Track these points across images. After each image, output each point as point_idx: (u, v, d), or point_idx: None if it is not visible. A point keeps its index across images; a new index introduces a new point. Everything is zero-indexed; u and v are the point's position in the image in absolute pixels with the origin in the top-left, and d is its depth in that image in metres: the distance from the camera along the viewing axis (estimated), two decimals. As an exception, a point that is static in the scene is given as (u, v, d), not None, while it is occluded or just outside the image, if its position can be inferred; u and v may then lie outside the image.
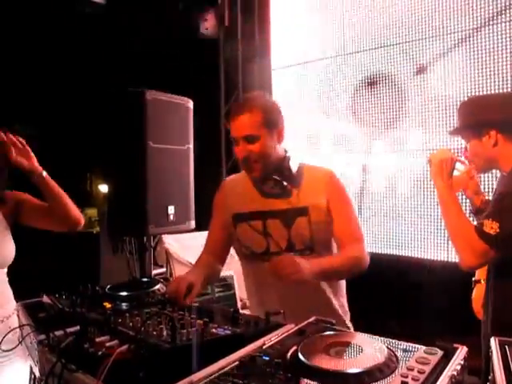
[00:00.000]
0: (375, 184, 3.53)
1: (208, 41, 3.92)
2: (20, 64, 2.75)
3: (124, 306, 1.49)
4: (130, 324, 1.17)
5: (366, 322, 1.63)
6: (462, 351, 1.02)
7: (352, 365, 0.90)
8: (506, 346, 1.03)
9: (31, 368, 1.86)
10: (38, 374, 1.39)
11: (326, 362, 0.92)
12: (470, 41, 2.98)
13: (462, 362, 0.97)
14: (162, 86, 2.69)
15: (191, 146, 2.81)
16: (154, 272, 3.01)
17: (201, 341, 1.03)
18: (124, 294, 1.59)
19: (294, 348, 1.02)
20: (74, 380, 1.06)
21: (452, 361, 0.97)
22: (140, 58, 2.92)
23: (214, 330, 1.10)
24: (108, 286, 1.73)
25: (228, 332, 1.11)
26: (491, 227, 1.54)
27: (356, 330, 1.58)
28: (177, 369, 0.96)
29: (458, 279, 2.28)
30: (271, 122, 1.62)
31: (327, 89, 3.75)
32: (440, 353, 0.99)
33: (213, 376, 0.93)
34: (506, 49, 2.80)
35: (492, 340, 1.09)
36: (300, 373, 0.91)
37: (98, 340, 1.08)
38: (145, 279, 1.84)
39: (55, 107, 2.62)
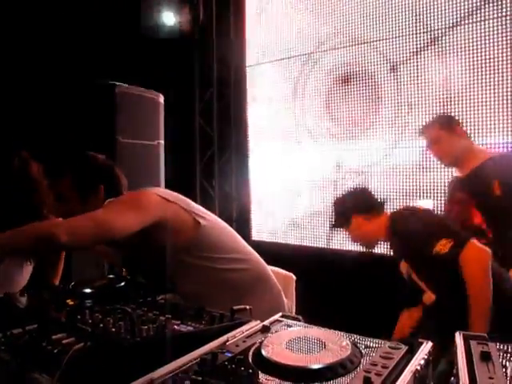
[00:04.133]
0: (349, 180, 3.55)
1: (183, 36, 3.87)
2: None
3: (87, 303, 1.45)
4: (90, 321, 1.13)
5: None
6: (426, 346, 1.01)
7: (314, 360, 0.89)
8: (470, 341, 1.02)
9: None
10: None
11: (288, 358, 0.90)
12: (442, 39, 3.02)
13: (426, 357, 0.97)
14: (134, 80, 2.63)
15: (162, 141, 2.77)
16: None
17: (161, 337, 1.00)
18: (86, 290, 1.55)
19: (257, 344, 1.00)
20: (30, 380, 1.02)
21: (416, 355, 0.96)
22: (112, 51, 2.86)
23: (176, 327, 1.07)
24: (72, 283, 1.69)
25: (190, 328, 1.08)
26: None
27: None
28: (136, 366, 0.92)
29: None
30: None
31: (302, 86, 3.75)
32: (404, 348, 0.98)
33: (173, 373, 0.90)
34: (478, 48, 2.85)
35: (457, 334, 1.09)
36: (262, 369, 0.89)
37: (54, 337, 1.04)
38: (111, 276, 1.79)
39: (22, 99, 2.54)
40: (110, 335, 1.01)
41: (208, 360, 0.93)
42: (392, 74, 3.27)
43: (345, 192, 2.45)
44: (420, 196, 3.14)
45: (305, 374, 0.86)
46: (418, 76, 3.15)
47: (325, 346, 0.95)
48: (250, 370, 0.88)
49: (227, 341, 1.07)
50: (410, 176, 3.21)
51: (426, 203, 2.77)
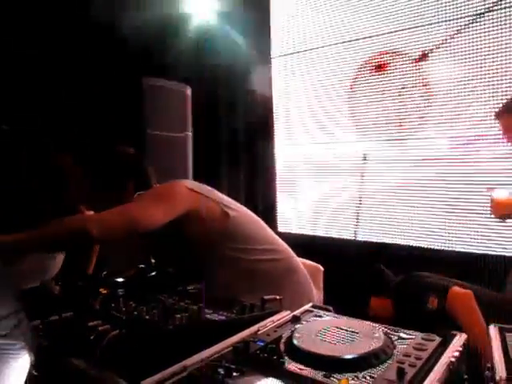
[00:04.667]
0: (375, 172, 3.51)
1: (206, 27, 3.86)
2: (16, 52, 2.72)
3: (120, 292, 1.48)
4: (124, 309, 1.15)
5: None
6: (460, 338, 1.00)
7: (347, 350, 0.88)
8: (505, 333, 1.01)
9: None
10: (32, 359, 1.38)
11: (320, 348, 0.90)
12: (471, 27, 2.94)
13: (461, 349, 0.95)
14: (161, 72, 2.66)
15: (190, 133, 2.79)
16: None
17: (194, 325, 1.01)
18: (118, 280, 1.58)
19: (289, 333, 1.00)
20: (68, 365, 1.05)
21: (450, 347, 0.95)
22: (137, 44, 2.88)
23: (208, 316, 1.08)
24: (104, 272, 1.72)
25: (222, 317, 1.09)
26: None
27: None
28: (170, 353, 0.94)
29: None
30: None
31: (329, 76, 3.71)
32: (438, 339, 0.97)
33: (206, 360, 0.91)
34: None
35: (491, 327, 1.07)
36: (294, 358, 0.89)
37: (90, 324, 1.07)
38: (142, 266, 1.82)
39: (50, 94, 2.58)
40: (144, 323, 1.02)
41: (240, 348, 0.94)
42: (419, 64, 3.21)
43: None
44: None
45: (338, 363, 0.85)
46: (445, 65, 3.09)
47: (357, 336, 0.95)
48: (282, 359, 0.89)
49: (258, 330, 1.07)
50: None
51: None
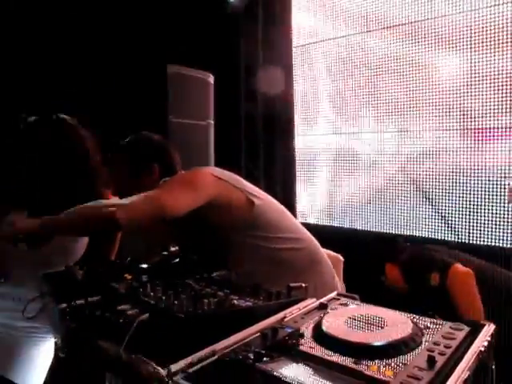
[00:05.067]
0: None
1: (227, 15, 3.85)
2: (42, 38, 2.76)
3: (144, 277, 1.49)
4: (151, 294, 1.17)
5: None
6: (489, 327, 0.99)
7: (377, 337, 0.89)
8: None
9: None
10: (59, 342, 1.41)
11: (349, 335, 0.91)
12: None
13: (490, 339, 0.95)
14: (184, 60, 2.66)
15: (212, 121, 2.80)
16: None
17: (222, 311, 1.02)
18: (143, 266, 1.60)
19: (317, 320, 1.01)
20: (95, 347, 1.07)
21: (479, 337, 0.95)
22: (159, 31, 2.88)
23: (235, 302, 1.09)
24: (128, 259, 1.74)
25: (249, 304, 1.10)
26: None
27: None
28: (198, 338, 0.95)
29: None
30: None
31: (349, 66, 3.68)
32: (466, 329, 0.97)
33: (235, 346, 0.92)
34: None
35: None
36: (323, 345, 0.90)
37: (119, 308, 1.08)
38: (165, 253, 1.84)
39: (74, 81, 2.61)
40: (173, 308, 1.04)
41: (269, 334, 0.95)
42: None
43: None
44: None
45: (367, 350, 0.86)
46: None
47: (385, 323, 0.95)
48: (311, 346, 0.89)
49: (285, 317, 1.08)
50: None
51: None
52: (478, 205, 3.06)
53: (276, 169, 4.12)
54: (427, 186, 3.34)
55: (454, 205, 3.19)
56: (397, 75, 3.40)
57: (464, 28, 3.06)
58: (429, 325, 1.00)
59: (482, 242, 2.99)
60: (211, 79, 2.77)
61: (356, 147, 3.69)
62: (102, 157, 1.87)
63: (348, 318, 0.98)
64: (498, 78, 2.94)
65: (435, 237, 3.27)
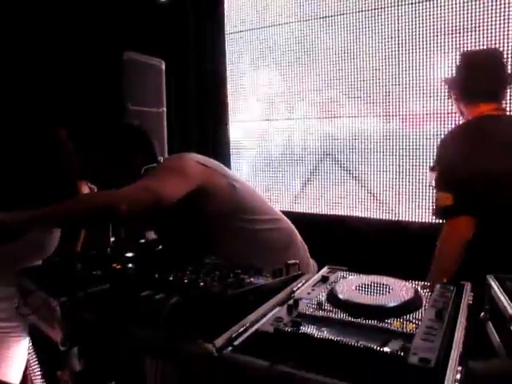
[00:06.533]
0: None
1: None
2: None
3: (130, 266, 1.52)
4: (171, 278, 1.21)
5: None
6: (468, 286, 1.19)
7: (390, 300, 1.03)
8: (507, 281, 1.21)
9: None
10: (58, 340, 1.38)
11: (365, 299, 1.04)
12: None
13: (472, 293, 1.14)
14: (132, 47, 2.63)
15: (165, 108, 2.80)
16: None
17: (247, 289, 1.11)
18: (128, 255, 1.63)
19: (329, 291, 1.13)
20: (125, 335, 1.11)
21: (464, 294, 1.14)
22: (114, 19, 2.81)
23: (251, 280, 1.19)
24: (108, 249, 1.76)
25: (262, 282, 1.20)
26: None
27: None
28: (227, 316, 1.04)
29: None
30: None
31: (284, 54, 3.80)
32: (453, 288, 1.15)
33: (265, 319, 1.02)
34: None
35: (489, 277, 1.27)
36: (344, 311, 1.02)
37: (143, 294, 1.13)
38: (142, 240, 1.88)
39: (33, 67, 2.48)
40: (202, 288, 1.11)
41: (292, 306, 1.06)
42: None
43: None
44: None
45: (384, 311, 1.00)
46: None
47: (391, 288, 1.10)
48: (334, 312, 1.02)
49: (293, 291, 1.20)
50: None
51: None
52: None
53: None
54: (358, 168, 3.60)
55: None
56: (326, 64, 3.59)
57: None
58: (422, 287, 1.16)
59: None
60: (163, 65, 2.77)
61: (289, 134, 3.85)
62: (73, 147, 1.85)
63: (357, 285, 1.12)
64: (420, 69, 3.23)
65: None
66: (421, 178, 3.29)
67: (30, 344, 1.98)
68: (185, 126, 3.65)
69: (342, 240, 3.26)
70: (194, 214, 1.74)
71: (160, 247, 1.71)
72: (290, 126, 3.84)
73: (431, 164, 2.17)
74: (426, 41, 3.16)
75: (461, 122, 2.19)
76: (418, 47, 3.22)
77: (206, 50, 3.94)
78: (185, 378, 1.02)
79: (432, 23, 3.15)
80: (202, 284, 1.13)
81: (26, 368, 2.02)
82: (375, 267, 1.28)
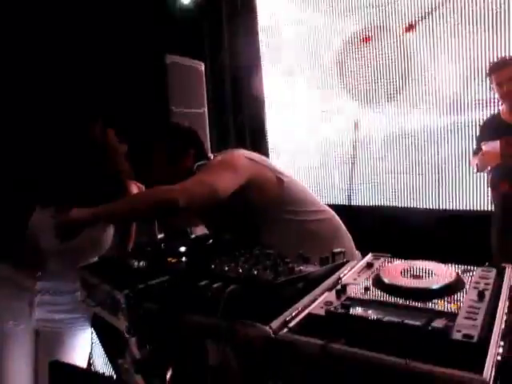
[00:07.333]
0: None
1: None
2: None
3: (184, 260, 1.62)
4: (226, 268, 1.31)
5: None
6: (509, 269, 1.24)
7: (433, 283, 1.10)
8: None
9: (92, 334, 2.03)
10: (123, 328, 1.49)
11: (410, 283, 1.11)
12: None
13: (513, 276, 1.19)
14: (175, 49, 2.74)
15: (206, 109, 2.92)
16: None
17: (298, 276, 1.20)
18: (182, 249, 1.74)
19: (375, 276, 1.20)
20: (188, 321, 1.20)
21: (506, 275, 1.19)
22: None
23: (300, 268, 1.27)
24: (162, 244, 1.88)
25: (311, 269, 1.28)
26: None
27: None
28: (280, 301, 1.13)
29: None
30: None
31: (318, 47, 3.85)
32: (494, 270, 1.21)
33: (316, 303, 1.11)
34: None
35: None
36: (391, 294, 1.09)
37: (201, 284, 1.22)
38: (193, 236, 2.00)
39: (77, 72, 2.63)
40: (255, 277, 1.21)
41: (340, 290, 1.14)
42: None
43: None
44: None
45: (428, 293, 1.07)
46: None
47: (434, 272, 1.17)
48: (380, 295, 1.09)
49: (340, 278, 1.27)
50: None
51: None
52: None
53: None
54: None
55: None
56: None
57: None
58: (463, 270, 1.22)
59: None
60: (202, 67, 2.87)
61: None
62: (123, 147, 1.98)
63: (402, 270, 1.19)
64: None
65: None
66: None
67: (93, 334, 2.12)
68: (222, 124, 3.73)
69: (383, 230, 3.31)
70: (244, 207, 1.84)
71: (210, 241, 1.82)
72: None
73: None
74: None
75: None
76: None
77: (238, 49, 4.02)
78: (244, 359, 1.12)
79: None
80: (255, 272, 1.23)
81: (89, 357, 2.17)
82: (417, 254, 1.34)
